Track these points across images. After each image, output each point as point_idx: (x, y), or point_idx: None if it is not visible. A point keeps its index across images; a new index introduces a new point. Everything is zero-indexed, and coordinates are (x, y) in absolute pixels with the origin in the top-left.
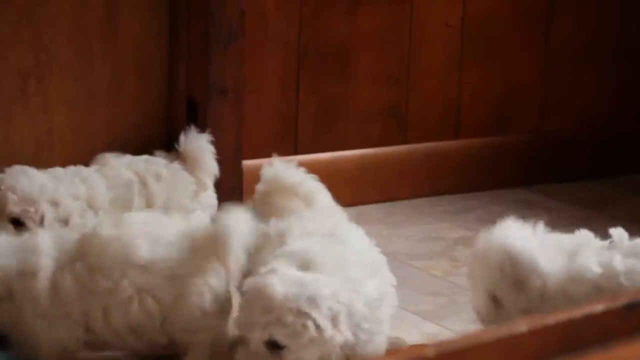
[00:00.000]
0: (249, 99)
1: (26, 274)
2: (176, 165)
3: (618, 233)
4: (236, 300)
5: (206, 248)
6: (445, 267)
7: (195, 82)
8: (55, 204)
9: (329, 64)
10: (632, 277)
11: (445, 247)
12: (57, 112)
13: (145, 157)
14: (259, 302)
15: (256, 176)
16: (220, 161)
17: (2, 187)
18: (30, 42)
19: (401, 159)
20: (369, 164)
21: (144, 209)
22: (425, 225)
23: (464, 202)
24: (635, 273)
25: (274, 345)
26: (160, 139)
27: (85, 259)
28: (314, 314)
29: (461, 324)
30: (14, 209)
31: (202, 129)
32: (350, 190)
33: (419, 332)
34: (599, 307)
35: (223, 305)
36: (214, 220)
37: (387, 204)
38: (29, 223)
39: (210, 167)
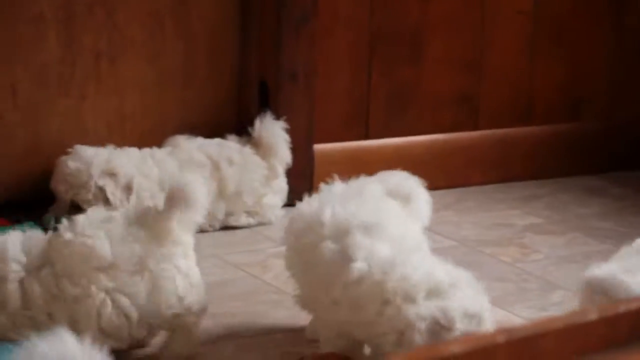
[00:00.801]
0: (320, 83)
1: None
2: (248, 149)
3: None
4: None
5: (161, 220)
6: (514, 254)
7: (266, 65)
8: (111, 174)
9: (400, 48)
10: None
11: (515, 233)
12: (129, 94)
13: (217, 140)
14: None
15: (327, 160)
16: (292, 145)
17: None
18: (103, 24)
19: (472, 145)
20: (440, 149)
21: (214, 192)
22: (495, 212)
23: (534, 189)
24: None
25: None
26: (231, 123)
27: (53, 265)
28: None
29: (529, 310)
30: (65, 196)
31: (273, 112)
32: (420, 175)
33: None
34: None
35: (193, 283)
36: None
37: (457, 190)
38: (84, 205)
39: (283, 155)
